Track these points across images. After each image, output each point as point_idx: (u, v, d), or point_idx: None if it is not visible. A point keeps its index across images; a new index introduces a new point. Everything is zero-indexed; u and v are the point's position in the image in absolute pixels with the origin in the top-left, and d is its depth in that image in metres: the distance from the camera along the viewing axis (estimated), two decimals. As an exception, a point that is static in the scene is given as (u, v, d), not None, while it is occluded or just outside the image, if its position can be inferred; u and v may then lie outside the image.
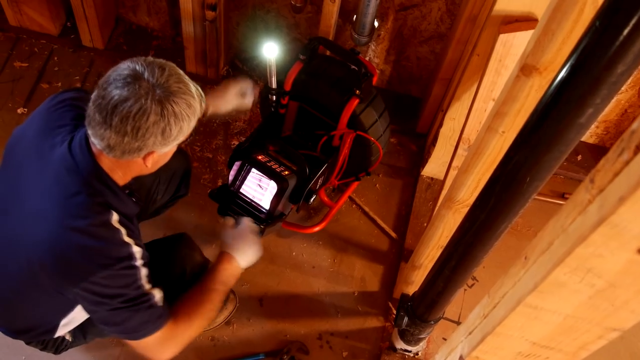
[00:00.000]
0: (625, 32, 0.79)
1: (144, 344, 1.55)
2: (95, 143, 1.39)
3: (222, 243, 1.79)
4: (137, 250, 1.47)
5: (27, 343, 1.79)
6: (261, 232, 1.93)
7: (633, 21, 0.78)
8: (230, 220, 1.87)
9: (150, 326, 1.52)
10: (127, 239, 1.45)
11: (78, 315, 1.71)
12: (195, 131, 1.51)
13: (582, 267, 0.70)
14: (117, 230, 1.44)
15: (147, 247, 1.52)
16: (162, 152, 1.45)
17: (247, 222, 1.84)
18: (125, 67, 1.37)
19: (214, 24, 2.44)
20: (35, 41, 2.77)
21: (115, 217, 1.44)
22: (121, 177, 1.48)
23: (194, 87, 1.43)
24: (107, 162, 1.44)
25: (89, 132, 1.38)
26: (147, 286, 1.50)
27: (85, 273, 1.42)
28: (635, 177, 0.57)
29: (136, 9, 2.76)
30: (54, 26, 2.75)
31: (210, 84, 2.69)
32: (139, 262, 1.47)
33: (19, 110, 2.60)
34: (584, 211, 0.67)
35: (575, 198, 0.70)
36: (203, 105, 1.47)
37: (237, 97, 1.98)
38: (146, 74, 1.36)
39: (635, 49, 0.81)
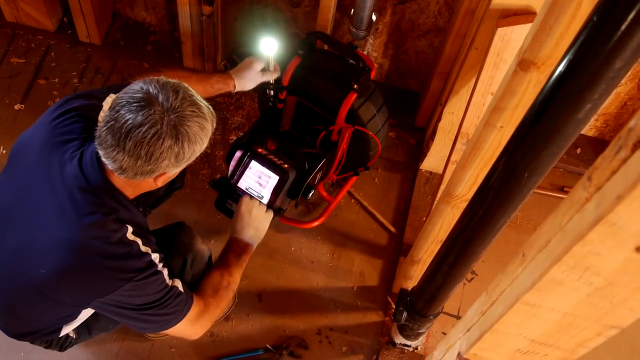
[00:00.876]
0: (623, 27, 0.79)
1: (178, 329, 1.63)
2: (107, 164, 1.38)
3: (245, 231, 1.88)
4: (155, 257, 1.50)
5: (31, 342, 1.79)
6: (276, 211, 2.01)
7: (631, 16, 0.77)
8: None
9: (179, 314, 1.60)
10: (143, 248, 1.48)
11: (83, 315, 1.71)
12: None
13: (580, 265, 0.70)
14: (134, 243, 1.47)
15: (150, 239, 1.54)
16: (172, 173, 1.46)
17: (242, 201, 1.91)
18: (138, 88, 1.36)
19: (211, 18, 2.43)
20: (32, 37, 2.76)
21: (130, 230, 1.46)
22: (131, 193, 1.50)
23: (206, 108, 1.43)
24: (118, 180, 1.44)
25: (100, 152, 1.38)
26: (170, 282, 1.55)
27: (109, 288, 1.46)
28: (633, 175, 0.56)
29: (133, 4, 2.74)
30: (50, 22, 2.74)
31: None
32: (159, 267, 1.51)
33: (16, 107, 2.59)
34: (581, 209, 0.66)
35: (572, 196, 0.69)
36: (214, 124, 1.47)
37: (260, 75, 2.04)
38: (160, 97, 1.34)
39: (633, 44, 0.80)
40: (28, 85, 2.65)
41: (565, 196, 2.80)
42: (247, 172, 2.03)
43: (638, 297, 0.73)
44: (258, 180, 2.03)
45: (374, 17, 2.29)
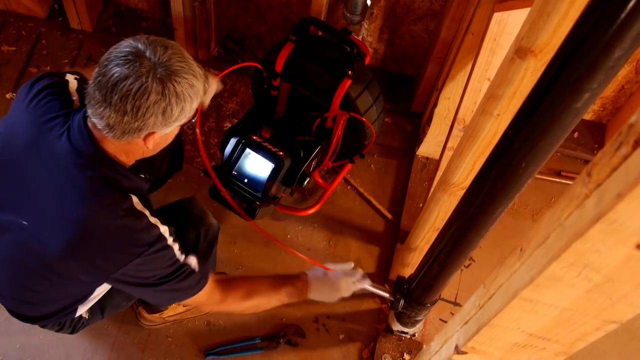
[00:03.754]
0: (623, 15, 0.77)
1: (195, 301, 1.64)
2: (96, 123, 1.35)
3: (313, 273, 1.85)
4: (164, 230, 1.47)
5: (43, 326, 1.77)
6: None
7: (630, 4, 0.75)
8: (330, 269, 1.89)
9: (192, 290, 1.59)
10: (152, 219, 1.45)
11: (98, 293, 1.70)
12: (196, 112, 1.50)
13: (579, 262, 0.68)
14: (142, 213, 1.44)
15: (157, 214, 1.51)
16: (163, 133, 1.42)
17: (342, 279, 1.87)
18: (127, 44, 1.34)
19: (204, 4, 2.40)
20: (23, 24, 2.72)
21: (135, 200, 1.43)
22: (125, 160, 1.46)
23: (197, 67, 1.40)
24: (110, 146, 1.41)
25: (89, 111, 1.35)
26: (182, 257, 1.53)
27: (119, 263, 1.44)
28: (634, 173, 0.55)
29: (124, -10, 2.71)
30: (41, 9, 2.70)
31: (201, 64, 2.65)
32: (170, 241, 1.48)
33: (8, 95, 2.56)
34: (580, 205, 0.65)
35: (572, 191, 0.68)
36: (206, 86, 1.44)
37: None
38: (148, 52, 1.32)
39: (632, 33, 0.78)
40: (19, 74, 2.61)
41: (562, 181, 2.75)
42: (241, 159, 2.02)
43: (638, 293, 0.71)
44: (253, 167, 2.01)
45: (368, 2, 2.26)
